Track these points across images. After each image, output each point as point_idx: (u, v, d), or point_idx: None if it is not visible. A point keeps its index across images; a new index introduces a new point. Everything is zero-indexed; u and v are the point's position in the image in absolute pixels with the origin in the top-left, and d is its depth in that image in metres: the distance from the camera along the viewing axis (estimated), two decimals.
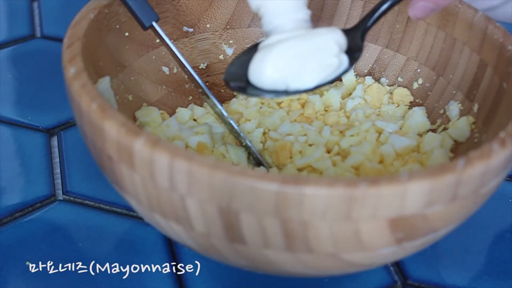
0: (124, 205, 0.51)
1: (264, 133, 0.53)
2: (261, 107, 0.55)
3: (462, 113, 0.52)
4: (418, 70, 0.56)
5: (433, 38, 0.55)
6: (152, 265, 0.47)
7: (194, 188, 0.37)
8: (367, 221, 0.37)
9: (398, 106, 0.56)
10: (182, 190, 0.37)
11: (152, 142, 0.37)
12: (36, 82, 0.63)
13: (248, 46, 0.49)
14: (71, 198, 0.52)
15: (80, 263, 0.47)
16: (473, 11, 0.52)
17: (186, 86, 0.56)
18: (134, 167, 0.38)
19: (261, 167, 0.51)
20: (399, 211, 0.37)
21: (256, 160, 0.51)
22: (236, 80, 0.47)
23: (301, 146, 0.51)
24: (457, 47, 0.53)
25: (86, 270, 0.46)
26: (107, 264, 0.47)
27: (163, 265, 0.47)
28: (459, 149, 0.51)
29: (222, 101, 0.57)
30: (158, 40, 0.53)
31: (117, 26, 0.50)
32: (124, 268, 0.47)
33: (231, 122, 0.51)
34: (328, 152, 0.51)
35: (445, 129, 0.53)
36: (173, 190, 0.37)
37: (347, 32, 0.47)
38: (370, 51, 0.58)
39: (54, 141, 0.57)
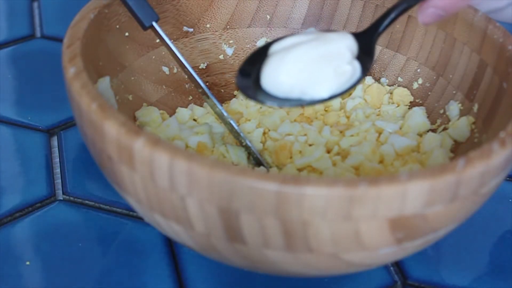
0: (124, 205, 0.51)
1: (264, 133, 0.53)
2: (261, 107, 0.55)
3: (462, 113, 0.52)
4: (418, 70, 0.56)
5: (433, 38, 0.55)
6: (152, 265, 0.47)
7: (194, 188, 0.37)
8: (367, 221, 0.37)
9: (398, 106, 0.56)
10: (182, 190, 0.37)
11: (152, 142, 0.37)
12: (36, 82, 0.63)
13: (255, 48, 0.47)
14: (71, 198, 0.52)
15: (80, 263, 0.47)
16: (473, 11, 0.52)
17: (186, 86, 0.56)
18: (134, 167, 0.38)
19: (261, 167, 0.51)
20: (399, 211, 0.37)
21: (256, 160, 0.51)
22: (248, 86, 0.45)
23: (301, 146, 0.51)
24: (457, 47, 0.53)
25: (86, 270, 0.46)
26: (107, 264, 0.47)
27: (163, 265, 0.47)
28: (459, 149, 0.51)
29: (222, 101, 0.57)
30: (158, 40, 0.53)
31: (117, 26, 0.50)
32: (124, 268, 0.47)
33: (231, 122, 0.51)
34: (328, 152, 0.51)
35: (445, 129, 0.53)
36: (173, 190, 0.37)
37: (357, 36, 0.46)
38: None
39: (54, 141, 0.57)
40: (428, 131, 0.53)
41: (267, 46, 0.46)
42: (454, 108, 0.53)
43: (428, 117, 0.54)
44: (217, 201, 0.37)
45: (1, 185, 0.52)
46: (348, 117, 0.54)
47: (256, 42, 0.59)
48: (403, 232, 0.38)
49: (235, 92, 0.58)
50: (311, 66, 0.43)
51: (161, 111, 0.53)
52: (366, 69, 0.44)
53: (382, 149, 0.51)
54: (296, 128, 0.52)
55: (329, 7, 0.59)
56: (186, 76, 0.52)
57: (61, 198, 0.52)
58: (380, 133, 0.53)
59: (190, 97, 0.57)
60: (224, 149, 0.51)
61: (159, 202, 0.39)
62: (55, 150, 0.56)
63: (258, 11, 0.59)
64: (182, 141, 0.50)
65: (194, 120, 0.54)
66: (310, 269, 0.41)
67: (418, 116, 0.53)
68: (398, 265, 0.49)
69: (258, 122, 0.54)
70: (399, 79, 0.57)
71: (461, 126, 0.51)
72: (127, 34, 0.52)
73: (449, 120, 0.53)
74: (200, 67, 0.58)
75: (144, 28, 0.48)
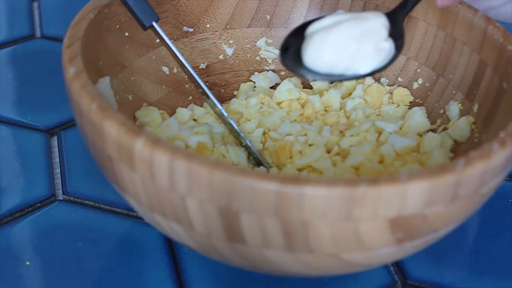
0: (124, 205, 0.51)
1: (264, 133, 0.53)
2: (261, 107, 0.55)
3: (462, 113, 0.52)
4: (418, 70, 0.56)
5: (433, 38, 0.55)
6: (152, 265, 0.47)
7: (194, 188, 0.37)
8: (367, 221, 0.37)
9: (398, 106, 0.56)
10: (182, 190, 0.37)
11: (152, 142, 0.37)
12: (36, 82, 0.63)
13: (293, 28, 0.49)
14: (71, 198, 0.52)
15: (80, 263, 0.47)
16: (473, 11, 0.52)
17: (186, 86, 0.56)
18: (134, 167, 0.38)
19: (261, 167, 0.51)
20: (399, 211, 0.37)
21: (256, 160, 0.51)
22: (292, 63, 0.47)
23: (301, 146, 0.51)
24: (457, 47, 0.53)
25: (86, 270, 0.46)
26: (107, 264, 0.47)
27: (163, 265, 0.47)
28: (459, 149, 0.51)
29: (222, 101, 0.57)
30: (158, 40, 0.53)
31: (117, 26, 0.50)
32: (124, 268, 0.47)
33: (231, 122, 0.51)
34: (328, 152, 0.51)
35: (445, 129, 0.53)
36: (173, 190, 0.37)
37: (387, 16, 0.48)
38: None
39: (54, 141, 0.57)
40: (428, 131, 0.53)
41: (304, 26, 0.48)
42: (454, 108, 0.53)
43: (428, 117, 0.54)
44: (217, 201, 0.37)
45: (1, 185, 0.52)
46: (348, 117, 0.54)
47: (256, 42, 0.59)
48: (403, 232, 0.38)
49: (235, 92, 0.58)
50: (353, 43, 0.46)
51: (161, 111, 0.53)
52: (399, 47, 0.47)
53: (382, 149, 0.51)
54: (296, 128, 0.52)
55: (329, 7, 0.59)
56: (186, 76, 0.52)
57: (61, 198, 0.52)
58: (380, 133, 0.53)
59: (190, 97, 0.57)
60: (224, 149, 0.51)
61: (159, 202, 0.39)
62: (55, 150, 0.56)
63: (258, 11, 0.59)
64: (182, 141, 0.50)
65: (194, 120, 0.54)
66: (310, 269, 0.41)
67: (418, 116, 0.53)
68: (398, 265, 0.49)
69: (258, 122, 0.54)
70: (399, 79, 0.57)
71: (461, 126, 0.51)
72: (127, 34, 0.52)
73: (449, 120, 0.53)
74: (200, 67, 0.58)
75: (144, 28, 0.48)
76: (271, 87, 0.58)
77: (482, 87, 0.50)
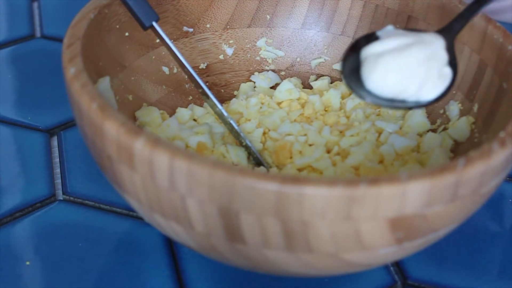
0: (124, 205, 0.51)
1: (264, 133, 0.53)
2: (261, 107, 0.55)
3: (462, 113, 0.52)
4: None
5: None
6: (152, 265, 0.47)
7: (194, 188, 0.37)
8: (367, 221, 0.37)
9: None
10: (182, 190, 0.37)
11: (152, 142, 0.37)
12: (36, 82, 0.63)
13: (352, 42, 0.47)
14: (71, 198, 0.52)
15: (80, 263, 0.47)
16: None
17: (186, 86, 0.56)
18: (134, 167, 0.38)
19: (261, 167, 0.51)
20: (399, 211, 0.37)
21: (256, 160, 0.51)
22: (349, 77, 0.45)
23: (301, 146, 0.51)
24: (457, 47, 0.53)
25: (86, 270, 0.46)
26: (107, 264, 0.47)
27: (163, 265, 0.47)
28: (459, 149, 0.51)
29: (222, 101, 0.57)
30: (158, 40, 0.53)
31: (117, 26, 0.50)
32: (124, 268, 0.47)
33: (231, 122, 0.51)
34: (328, 152, 0.51)
35: (445, 129, 0.53)
36: (173, 190, 0.37)
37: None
38: None
39: (54, 141, 0.57)
40: (428, 131, 0.53)
41: (359, 42, 0.47)
42: (454, 108, 0.53)
43: (428, 117, 0.54)
44: (217, 201, 0.37)
45: (1, 185, 0.52)
46: (348, 117, 0.54)
47: (256, 42, 0.59)
48: (403, 232, 0.38)
49: (235, 92, 0.58)
50: (420, 69, 0.44)
51: (161, 111, 0.53)
52: (455, 69, 0.45)
53: (382, 149, 0.51)
54: (296, 128, 0.52)
55: (329, 7, 0.59)
56: (186, 76, 0.52)
57: (61, 198, 0.52)
58: (380, 133, 0.53)
59: (190, 97, 0.57)
60: (224, 149, 0.51)
61: (159, 202, 0.39)
62: (55, 150, 0.56)
63: (258, 11, 0.59)
64: (182, 141, 0.50)
65: (194, 120, 0.54)
66: (310, 269, 0.41)
67: (418, 116, 0.53)
68: (398, 265, 0.49)
69: (258, 122, 0.54)
70: None
71: (461, 126, 0.51)
72: (127, 34, 0.52)
73: (449, 120, 0.53)
74: (200, 67, 0.58)
75: (144, 28, 0.49)
76: (271, 87, 0.58)
77: (482, 87, 0.50)
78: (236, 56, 0.59)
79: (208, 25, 0.58)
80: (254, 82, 0.59)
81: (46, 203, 0.51)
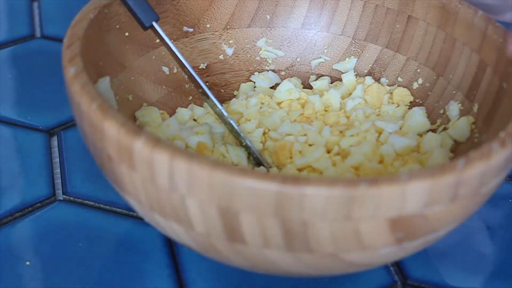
0: (124, 205, 0.51)
1: (264, 133, 0.53)
2: (261, 107, 0.55)
3: (462, 113, 0.52)
4: (418, 70, 0.56)
5: (433, 38, 0.55)
6: (152, 265, 0.47)
7: (194, 188, 0.37)
8: (367, 221, 0.37)
9: (398, 106, 0.56)
10: (182, 190, 0.37)
11: (152, 142, 0.37)
12: (36, 82, 0.63)
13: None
14: (71, 198, 0.52)
15: (80, 263, 0.47)
16: (473, 11, 0.52)
17: (186, 86, 0.56)
18: (134, 167, 0.38)
19: (261, 167, 0.51)
20: (399, 211, 0.37)
21: (256, 160, 0.51)
22: None
23: (301, 146, 0.51)
24: (457, 47, 0.53)
25: (86, 270, 0.46)
26: (107, 264, 0.47)
27: (163, 265, 0.47)
28: (459, 149, 0.51)
29: (222, 101, 0.57)
30: (158, 40, 0.53)
31: (117, 26, 0.50)
32: (124, 268, 0.47)
33: (231, 122, 0.51)
34: (328, 152, 0.51)
35: (445, 129, 0.53)
36: (173, 190, 0.37)
37: None
38: (370, 51, 0.58)
39: (54, 141, 0.57)
40: (428, 131, 0.53)
41: None
42: (454, 108, 0.53)
43: (428, 117, 0.54)
44: (217, 201, 0.37)
45: (1, 185, 0.52)
46: (348, 117, 0.54)
47: (256, 42, 0.59)
48: (403, 232, 0.38)
49: (235, 92, 0.58)
50: None
51: (161, 111, 0.53)
52: None
53: (382, 149, 0.51)
54: (296, 128, 0.52)
55: (329, 7, 0.59)
56: (186, 76, 0.52)
57: (61, 198, 0.52)
58: (380, 133, 0.53)
59: (190, 97, 0.57)
60: (224, 149, 0.51)
61: (159, 202, 0.39)
62: (55, 150, 0.56)
63: (258, 11, 0.59)
64: (182, 141, 0.50)
65: (194, 120, 0.54)
66: (310, 269, 0.41)
67: (418, 116, 0.53)
68: (398, 265, 0.49)
69: (258, 122, 0.54)
70: (399, 79, 0.57)
71: (461, 126, 0.51)
72: (127, 34, 0.52)
73: (449, 120, 0.53)
74: (200, 67, 0.58)
75: (144, 28, 0.48)
76: (271, 87, 0.58)
77: (482, 87, 0.50)
78: (236, 56, 0.59)
79: (208, 25, 0.58)
80: (254, 82, 0.59)
81: (46, 203, 0.51)
